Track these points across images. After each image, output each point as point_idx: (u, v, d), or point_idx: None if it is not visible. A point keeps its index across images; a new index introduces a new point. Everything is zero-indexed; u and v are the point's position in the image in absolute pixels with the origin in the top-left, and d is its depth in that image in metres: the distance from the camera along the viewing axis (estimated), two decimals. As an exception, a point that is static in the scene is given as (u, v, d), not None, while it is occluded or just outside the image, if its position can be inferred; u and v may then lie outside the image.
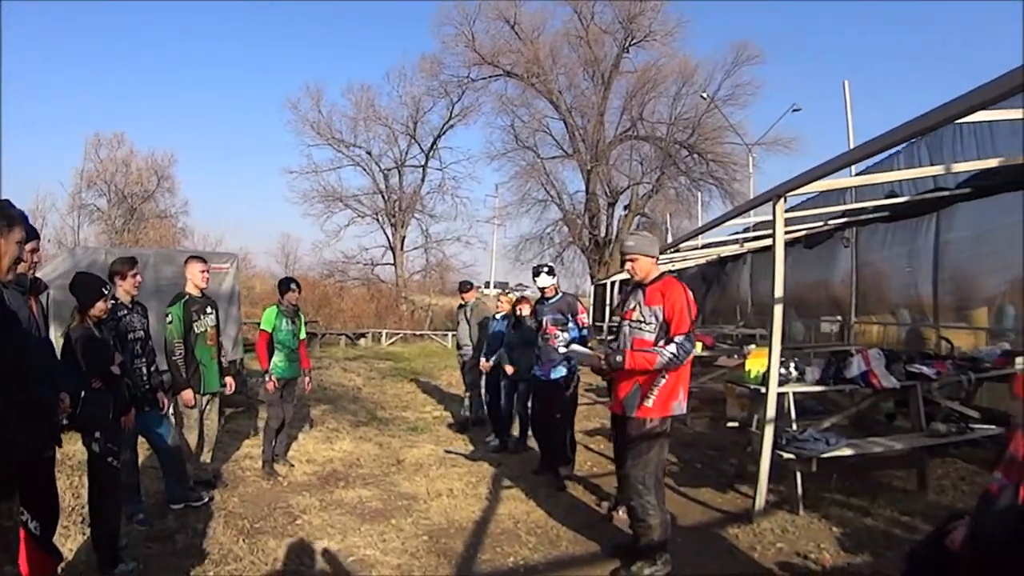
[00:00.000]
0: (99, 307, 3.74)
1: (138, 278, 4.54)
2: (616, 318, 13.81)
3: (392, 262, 30.14)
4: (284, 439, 6.22)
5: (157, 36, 52.74)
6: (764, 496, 4.77)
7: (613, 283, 20.76)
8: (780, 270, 4.89)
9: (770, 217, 8.10)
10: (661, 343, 3.76)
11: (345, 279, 29.04)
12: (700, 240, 10.72)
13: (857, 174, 6.77)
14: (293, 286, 6.18)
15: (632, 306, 3.94)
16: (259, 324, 6.07)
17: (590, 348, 4.84)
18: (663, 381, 3.77)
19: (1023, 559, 2.31)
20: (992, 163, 5.57)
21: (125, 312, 4.37)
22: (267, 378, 5.87)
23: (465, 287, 8.74)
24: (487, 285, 32.89)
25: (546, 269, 6.07)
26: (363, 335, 21.79)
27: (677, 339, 3.69)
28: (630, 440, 3.80)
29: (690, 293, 3.87)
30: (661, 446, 3.85)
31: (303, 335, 6.22)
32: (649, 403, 3.77)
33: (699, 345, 7.81)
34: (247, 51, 57.53)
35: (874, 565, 3.90)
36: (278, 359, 5.91)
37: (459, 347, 8.65)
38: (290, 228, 77.65)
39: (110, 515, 3.71)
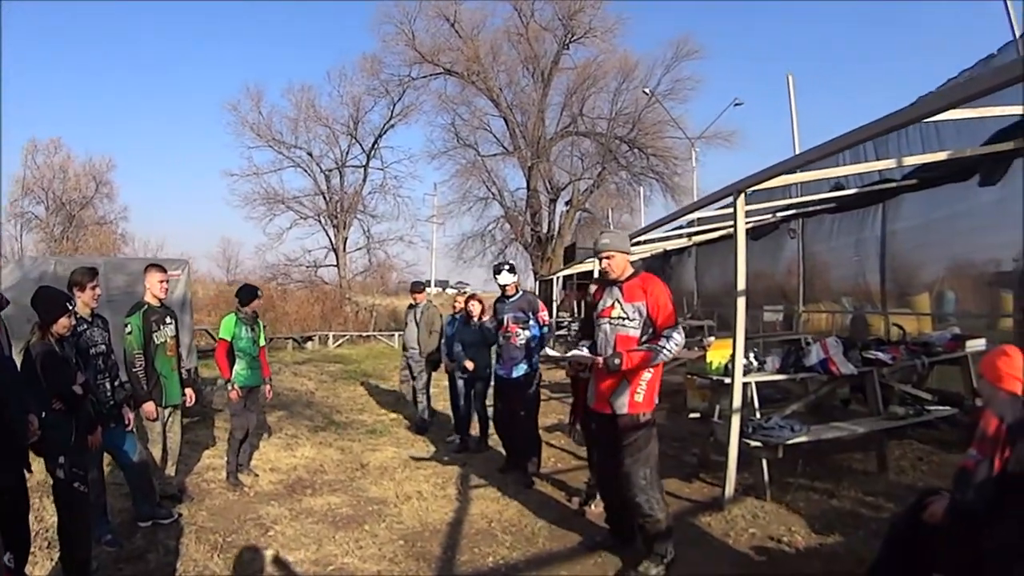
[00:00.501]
0: (62, 323, 3.55)
1: (98, 290, 4.32)
2: (564, 314, 13.88)
3: (335, 263, 29.65)
4: (247, 448, 6.06)
5: (92, 37, 50.65)
6: (733, 484, 4.91)
7: (557, 279, 20.91)
8: (742, 263, 5.01)
9: (713, 213, 8.40)
10: (645, 338, 3.81)
11: (288, 282, 28.43)
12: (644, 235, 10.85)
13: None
14: (259, 293, 6.03)
15: (610, 303, 3.94)
16: (210, 332, 5.89)
17: (552, 347, 4.86)
18: (649, 375, 3.81)
19: (1001, 528, 2.47)
20: (940, 156, 5.84)
21: (85, 326, 4.15)
22: (230, 388, 5.70)
23: (417, 288, 8.61)
24: (428, 284, 32.65)
25: (507, 267, 6.04)
26: (310, 338, 21.44)
27: (667, 332, 3.74)
28: (625, 437, 3.80)
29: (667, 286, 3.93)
30: (655, 438, 3.89)
31: (263, 342, 6.05)
32: (639, 398, 3.80)
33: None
34: (185, 52, 55.72)
35: (845, 544, 4.05)
36: (240, 367, 5.72)
37: (405, 348, 8.51)
38: (230, 232, 75.65)
39: (82, 542, 3.56)
